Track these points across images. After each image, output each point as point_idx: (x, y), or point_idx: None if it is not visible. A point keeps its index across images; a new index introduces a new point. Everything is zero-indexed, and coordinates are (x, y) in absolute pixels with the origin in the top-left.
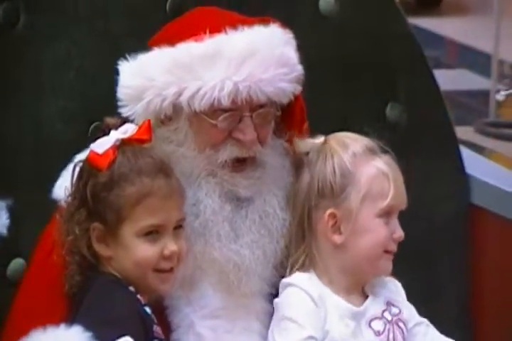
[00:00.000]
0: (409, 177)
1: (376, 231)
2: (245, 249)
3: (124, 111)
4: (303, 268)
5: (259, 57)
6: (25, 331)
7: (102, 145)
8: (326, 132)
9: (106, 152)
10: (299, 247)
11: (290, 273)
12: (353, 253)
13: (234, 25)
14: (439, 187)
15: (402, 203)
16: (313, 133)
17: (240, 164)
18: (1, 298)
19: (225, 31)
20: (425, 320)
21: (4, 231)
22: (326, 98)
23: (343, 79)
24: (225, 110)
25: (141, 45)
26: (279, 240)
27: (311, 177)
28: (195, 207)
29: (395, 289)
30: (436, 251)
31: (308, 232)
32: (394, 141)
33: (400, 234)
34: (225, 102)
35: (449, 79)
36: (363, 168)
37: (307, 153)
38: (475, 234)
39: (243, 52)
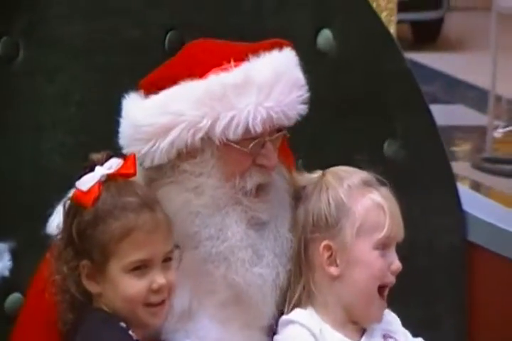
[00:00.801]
0: (406, 213)
1: (371, 264)
2: (265, 270)
3: (137, 150)
4: (301, 304)
5: (284, 82)
6: None
7: (86, 182)
8: (323, 167)
9: (90, 189)
10: (297, 283)
11: (289, 309)
12: (349, 286)
13: (255, 53)
14: (436, 222)
15: (399, 234)
16: (310, 168)
17: (258, 190)
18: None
19: (248, 58)
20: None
21: (6, 273)
22: (324, 134)
23: (340, 116)
24: (251, 138)
25: (142, 79)
26: (286, 264)
27: (305, 211)
28: (222, 232)
29: (391, 319)
30: (435, 285)
31: (306, 266)
32: (391, 177)
33: (397, 265)
34: (259, 129)
35: (445, 115)
36: (358, 201)
37: (304, 187)
38: (472, 270)
39: (270, 77)
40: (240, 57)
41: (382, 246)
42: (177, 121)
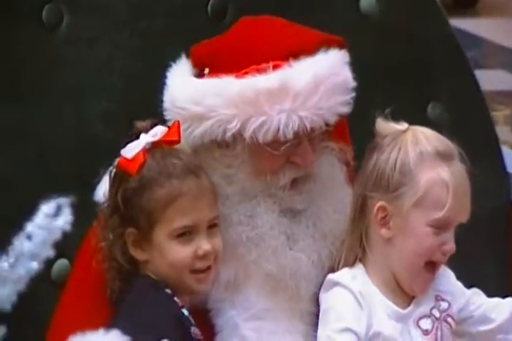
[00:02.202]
0: None
1: (422, 239)
2: (301, 254)
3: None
4: (353, 256)
5: (323, 89)
6: (68, 335)
7: (131, 150)
8: (366, 131)
9: (135, 156)
10: (351, 236)
11: (339, 265)
12: (397, 252)
13: (296, 55)
14: (480, 185)
15: (462, 216)
16: (353, 133)
17: (294, 182)
18: (46, 299)
19: (288, 63)
20: (473, 291)
21: (68, 227)
22: (367, 97)
23: (384, 79)
24: (286, 141)
25: (184, 46)
26: (334, 242)
27: (374, 165)
28: (252, 219)
29: (446, 277)
30: (478, 248)
31: (361, 220)
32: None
33: (450, 247)
34: (290, 136)
35: (486, 80)
36: (424, 171)
37: (384, 137)
38: None
39: (308, 85)
40: (281, 58)
41: (438, 225)
42: (209, 115)
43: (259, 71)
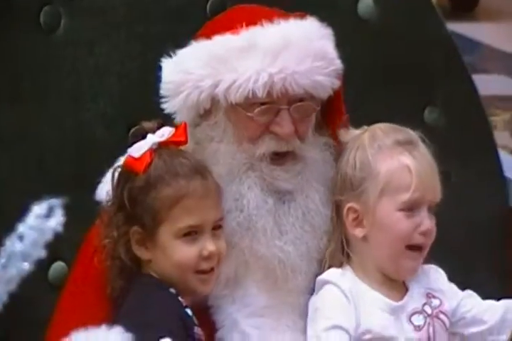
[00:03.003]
0: (446, 180)
1: (395, 225)
2: (289, 246)
3: (166, 107)
4: (337, 264)
5: (294, 49)
6: (68, 334)
7: (138, 149)
8: None
9: (142, 156)
10: (332, 243)
11: (325, 269)
12: (376, 247)
13: (270, 19)
14: (478, 190)
15: (431, 196)
16: None
17: (278, 157)
18: (43, 301)
19: (261, 24)
20: (466, 293)
21: (60, 228)
22: (364, 101)
23: (381, 83)
24: (261, 103)
25: (182, 46)
26: (323, 236)
27: (337, 169)
28: (239, 202)
29: (436, 277)
30: (475, 253)
31: (339, 227)
32: (432, 144)
33: (426, 226)
34: (260, 94)
35: (484, 85)
36: (384, 162)
37: (346, 143)
38: None
39: (278, 44)
40: (255, 22)
41: (409, 208)
42: (185, 79)
43: (233, 33)
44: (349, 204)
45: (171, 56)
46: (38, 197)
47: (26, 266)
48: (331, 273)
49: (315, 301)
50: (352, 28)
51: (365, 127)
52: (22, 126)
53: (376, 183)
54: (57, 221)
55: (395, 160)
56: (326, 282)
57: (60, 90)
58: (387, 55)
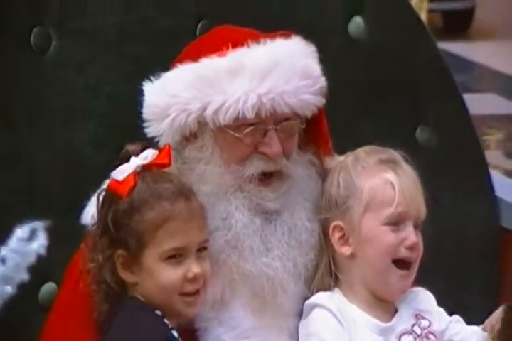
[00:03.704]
0: (438, 199)
1: (380, 239)
2: (276, 261)
3: (150, 131)
4: (326, 286)
5: (281, 69)
6: None
7: (122, 172)
8: None
9: (126, 179)
10: (320, 265)
11: (313, 292)
12: (363, 264)
13: (256, 39)
14: (469, 208)
15: (415, 211)
16: (342, 154)
17: (266, 178)
18: (33, 323)
19: (248, 45)
20: (454, 318)
21: (43, 251)
22: (356, 121)
23: (372, 102)
24: (249, 124)
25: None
26: (309, 252)
27: (323, 192)
28: (227, 221)
29: (425, 299)
30: (466, 272)
31: (325, 248)
32: (424, 164)
33: (411, 240)
34: (249, 115)
35: (477, 104)
36: (367, 179)
37: (329, 170)
38: (504, 256)
39: (265, 64)
40: (241, 44)
41: (394, 222)
42: (172, 103)
43: (220, 55)
44: (334, 223)
45: (150, 80)
46: (27, 219)
47: (9, 289)
48: (320, 297)
49: (306, 325)
50: (343, 47)
51: (349, 153)
52: (12, 147)
53: (360, 200)
54: (39, 244)
55: (377, 178)
56: (315, 305)
57: (50, 111)
58: (378, 75)
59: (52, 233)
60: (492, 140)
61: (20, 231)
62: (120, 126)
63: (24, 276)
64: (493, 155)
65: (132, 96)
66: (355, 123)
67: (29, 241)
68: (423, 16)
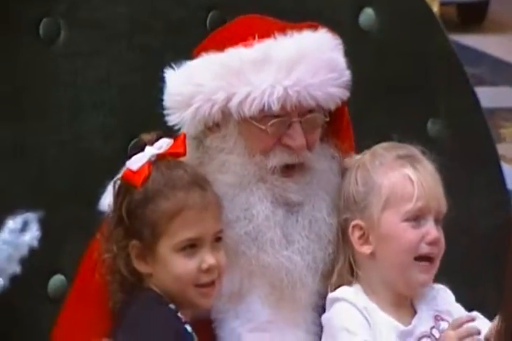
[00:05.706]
0: (449, 192)
1: (400, 236)
2: (297, 255)
3: (172, 119)
4: (345, 283)
5: (308, 62)
6: None
7: (136, 161)
8: (366, 147)
9: (140, 168)
10: (338, 263)
11: (332, 288)
12: (384, 262)
13: (283, 31)
14: (480, 201)
15: (436, 206)
16: (355, 149)
17: (289, 170)
18: (42, 314)
19: (274, 36)
20: (474, 316)
21: (35, 243)
22: (367, 114)
23: (383, 95)
24: (274, 116)
25: (182, 59)
26: (328, 246)
27: (341, 191)
28: (248, 212)
29: (445, 298)
30: (479, 265)
31: (345, 246)
32: (435, 157)
33: (433, 235)
34: (275, 107)
35: (492, 97)
36: (386, 176)
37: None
38: None
39: (292, 56)
40: (267, 34)
41: (414, 218)
42: (196, 92)
43: (246, 45)
44: (354, 222)
45: (171, 68)
46: (37, 210)
47: (1, 281)
48: (344, 291)
49: (330, 318)
50: (353, 39)
51: (366, 151)
52: (20, 138)
53: (379, 196)
54: (32, 236)
55: (396, 172)
56: (339, 299)
57: (59, 102)
58: (389, 67)
59: (60, 225)
60: (507, 133)
61: (13, 223)
62: (129, 117)
63: (16, 268)
64: (508, 148)
65: (142, 87)
66: (367, 116)
67: (21, 232)
68: (435, 8)
